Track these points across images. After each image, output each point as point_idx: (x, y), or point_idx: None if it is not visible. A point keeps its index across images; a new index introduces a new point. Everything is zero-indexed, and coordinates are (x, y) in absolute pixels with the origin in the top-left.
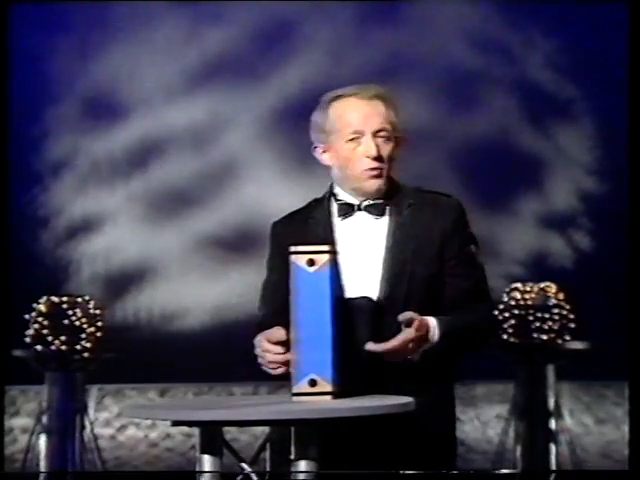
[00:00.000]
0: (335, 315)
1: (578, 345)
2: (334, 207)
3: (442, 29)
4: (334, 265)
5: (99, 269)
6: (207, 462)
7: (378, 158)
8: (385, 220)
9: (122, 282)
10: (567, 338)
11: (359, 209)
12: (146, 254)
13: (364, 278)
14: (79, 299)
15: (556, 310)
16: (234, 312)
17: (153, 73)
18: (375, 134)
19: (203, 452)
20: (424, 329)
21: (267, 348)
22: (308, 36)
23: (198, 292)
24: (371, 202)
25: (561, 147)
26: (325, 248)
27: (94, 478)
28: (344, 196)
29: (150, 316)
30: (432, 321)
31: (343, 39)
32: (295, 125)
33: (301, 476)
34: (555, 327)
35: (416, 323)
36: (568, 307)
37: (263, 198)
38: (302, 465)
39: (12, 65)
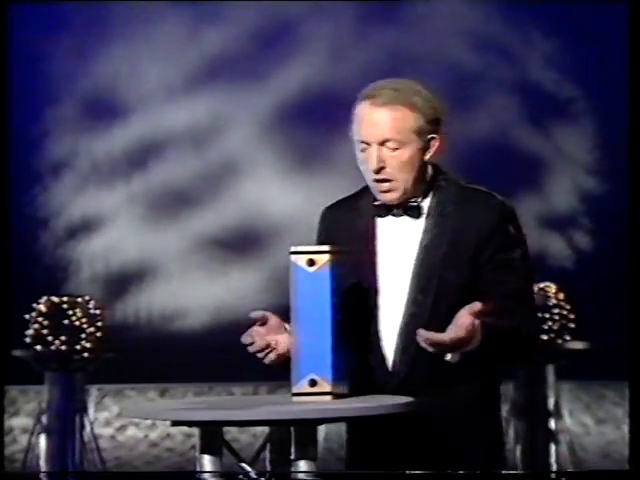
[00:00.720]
0: (335, 315)
1: (578, 345)
2: (374, 208)
3: (442, 29)
4: (335, 265)
5: (99, 269)
6: (207, 462)
7: (380, 171)
8: (422, 221)
9: (122, 282)
10: (567, 338)
11: (397, 209)
12: (146, 254)
13: (395, 281)
14: (79, 299)
15: (556, 310)
16: (234, 312)
17: (153, 73)
18: (382, 144)
19: (203, 452)
20: (475, 332)
21: (245, 340)
22: (308, 36)
23: (198, 292)
24: (407, 204)
25: (561, 147)
26: (325, 248)
27: (94, 478)
28: None
29: (150, 316)
30: (478, 327)
31: (343, 39)
32: (295, 125)
33: (301, 476)
34: (555, 327)
35: (471, 322)
36: (568, 307)
37: (263, 198)
38: (302, 465)
39: (12, 65)
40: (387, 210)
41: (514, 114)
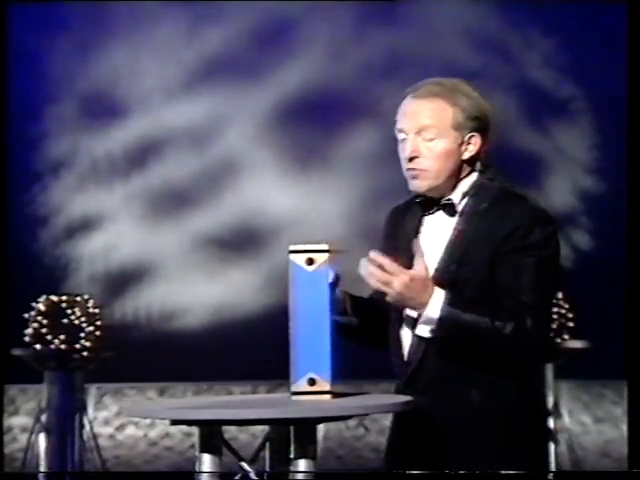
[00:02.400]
0: (334, 314)
1: (577, 344)
2: (420, 203)
3: (441, 29)
4: (334, 264)
5: (98, 268)
6: (206, 461)
7: (413, 159)
8: (455, 220)
9: (121, 281)
10: (566, 337)
11: (438, 206)
12: (145, 253)
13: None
14: (78, 298)
15: (555, 309)
16: (233, 311)
17: (153, 72)
18: (417, 134)
19: (202, 451)
20: (421, 290)
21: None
22: (308, 36)
23: (197, 291)
24: (444, 201)
25: (560, 146)
26: (324, 247)
27: (93, 477)
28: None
29: (149, 315)
30: (436, 292)
31: (343, 39)
32: (294, 124)
33: (300, 475)
34: (554, 326)
35: (424, 275)
36: (567, 306)
37: (262, 197)
38: (301, 464)
39: (12, 65)
40: (426, 206)
41: (513, 113)
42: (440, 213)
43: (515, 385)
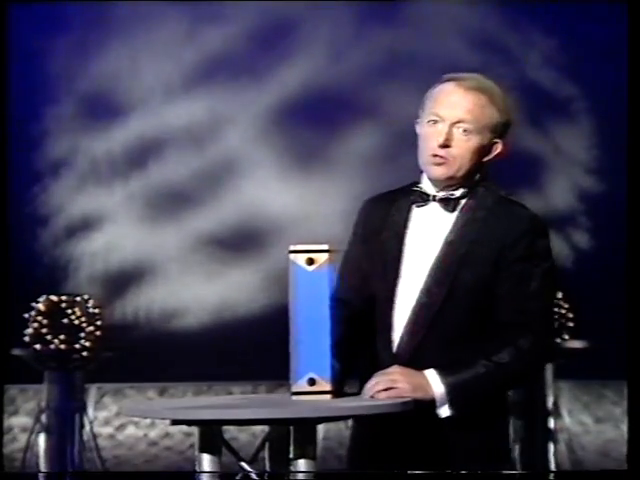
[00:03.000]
0: (334, 314)
1: (577, 344)
2: (413, 195)
3: (442, 29)
4: (334, 264)
5: (98, 268)
6: (206, 461)
7: (445, 147)
8: (454, 216)
9: (121, 281)
10: (566, 337)
11: (434, 200)
12: (145, 253)
13: (416, 271)
14: (78, 298)
15: (555, 309)
16: (233, 311)
17: (152, 72)
18: (454, 124)
19: (202, 451)
20: (410, 375)
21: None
22: (308, 36)
23: (197, 291)
24: (444, 195)
25: (560, 146)
26: (324, 247)
27: (93, 477)
28: (425, 184)
29: (149, 315)
30: (428, 372)
31: (343, 39)
32: (294, 124)
33: (300, 475)
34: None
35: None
36: (567, 306)
37: (262, 197)
38: (301, 464)
39: (12, 65)
40: (424, 197)
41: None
42: (435, 206)
43: None
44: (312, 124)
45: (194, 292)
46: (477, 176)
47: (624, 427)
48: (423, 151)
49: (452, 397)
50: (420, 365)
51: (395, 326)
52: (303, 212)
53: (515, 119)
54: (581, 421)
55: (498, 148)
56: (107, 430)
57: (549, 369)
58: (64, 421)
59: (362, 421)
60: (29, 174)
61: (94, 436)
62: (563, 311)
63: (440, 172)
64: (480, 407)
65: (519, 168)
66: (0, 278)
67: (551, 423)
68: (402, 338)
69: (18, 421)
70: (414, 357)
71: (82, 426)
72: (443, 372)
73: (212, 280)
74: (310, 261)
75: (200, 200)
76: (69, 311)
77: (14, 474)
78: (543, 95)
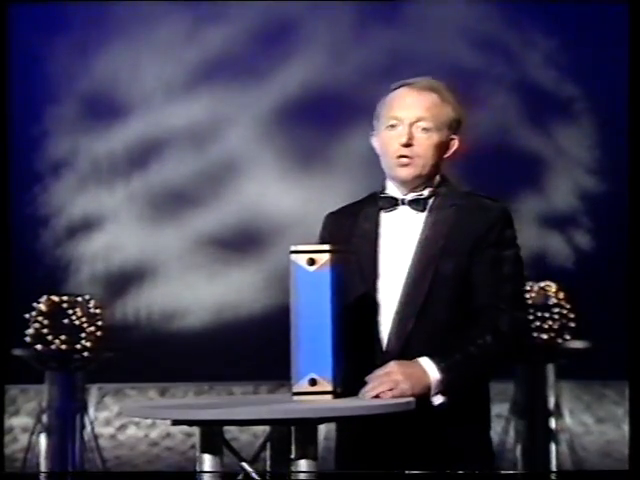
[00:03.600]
0: (335, 314)
1: (578, 344)
2: (380, 201)
3: (442, 29)
4: (336, 264)
5: (99, 268)
6: (207, 461)
7: (409, 146)
8: (424, 216)
9: (122, 281)
10: (567, 337)
11: (402, 203)
12: (146, 253)
13: (395, 273)
14: (79, 298)
15: (556, 309)
16: (234, 311)
17: (153, 72)
18: (413, 123)
19: (203, 451)
20: (408, 366)
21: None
22: (308, 36)
23: (198, 291)
24: (414, 197)
25: (561, 146)
26: (325, 247)
27: (94, 477)
28: (391, 189)
29: (150, 315)
30: (422, 360)
31: (343, 39)
32: (295, 125)
33: (301, 475)
34: (555, 326)
35: (382, 372)
36: (568, 306)
37: (263, 197)
38: (302, 464)
39: (12, 65)
40: (392, 202)
41: (514, 113)
42: (404, 209)
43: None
44: (312, 124)
45: (195, 292)
46: (438, 176)
47: (625, 427)
48: (386, 156)
49: (447, 381)
50: (410, 357)
51: (382, 323)
52: (304, 212)
53: (465, 116)
54: (582, 421)
55: (455, 144)
56: (108, 430)
57: (550, 369)
58: (65, 421)
59: (346, 422)
60: (30, 174)
61: (95, 436)
62: (564, 311)
63: (407, 172)
64: (468, 393)
65: (520, 168)
66: (1, 278)
67: (552, 423)
68: (390, 334)
69: (19, 421)
70: (404, 350)
71: (83, 426)
72: (436, 359)
73: (213, 280)
74: (311, 261)
75: (201, 200)
76: (70, 311)
77: (15, 474)
78: (544, 95)
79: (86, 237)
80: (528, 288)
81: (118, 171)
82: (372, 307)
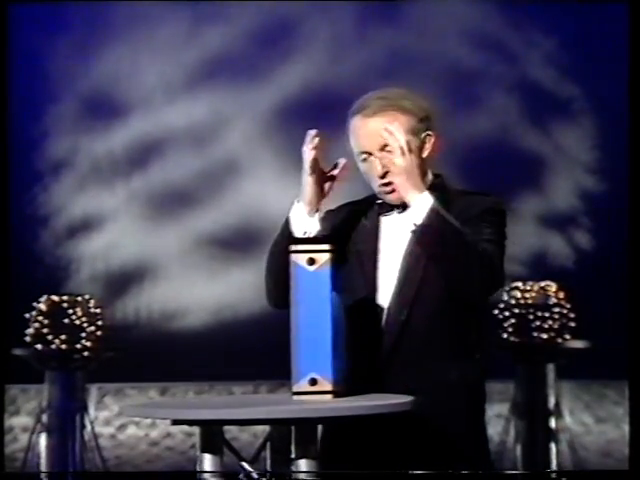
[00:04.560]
0: (335, 314)
1: (578, 344)
2: (377, 206)
3: (442, 29)
4: (335, 264)
5: (99, 268)
6: (207, 461)
7: (384, 175)
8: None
9: (122, 281)
10: (567, 337)
11: (398, 208)
12: (146, 253)
13: (389, 276)
14: (79, 298)
15: (556, 309)
16: (234, 311)
17: (153, 72)
18: (382, 149)
19: (203, 451)
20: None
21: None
22: (308, 36)
23: (198, 291)
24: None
25: (561, 146)
26: (325, 247)
27: (94, 477)
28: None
29: (150, 315)
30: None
31: (343, 39)
32: (295, 124)
33: (301, 475)
34: (555, 326)
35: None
36: (568, 306)
37: (263, 197)
38: (302, 464)
39: (12, 65)
40: (389, 208)
41: (514, 113)
42: (400, 214)
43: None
44: (313, 124)
45: (195, 292)
46: (429, 175)
47: (625, 427)
48: (371, 183)
49: (430, 215)
50: (405, 348)
51: (378, 318)
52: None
53: (432, 106)
54: (582, 421)
55: (431, 140)
56: (108, 430)
57: (550, 369)
58: (65, 421)
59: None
60: (30, 174)
61: (95, 436)
62: (565, 311)
63: (395, 197)
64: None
65: (521, 168)
66: (1, 278)
67: (552, 423)
68: (387, 315)
69: (19, 421)
70: (397, 341)
71: (83, 426)
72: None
73: (213, 280)
74: (311, 261)
75: (201, 200)
76: (70, 311)
77: (15, 474)
78: (544, 95)
79: (86, 237)
80: (528, 288)
81: (118, 171)
82: (371, 305)
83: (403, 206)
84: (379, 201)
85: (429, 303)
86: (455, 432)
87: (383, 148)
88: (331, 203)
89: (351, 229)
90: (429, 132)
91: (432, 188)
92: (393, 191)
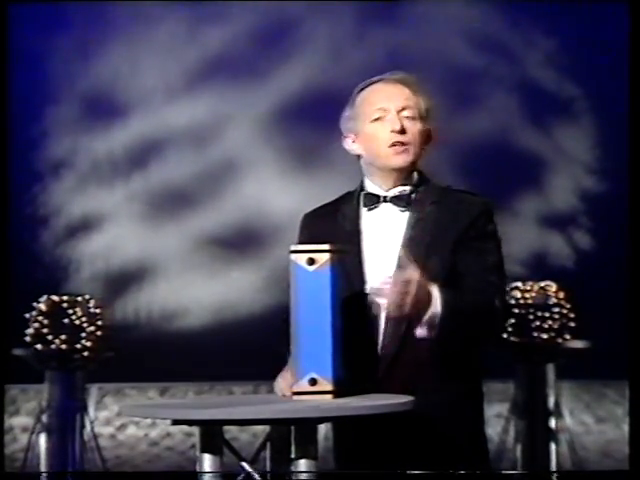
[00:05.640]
0: (335, 314)
1: (578, 344)
2: (362, 199)
3: (442, 29)
4: (335, 264)
5: (99, 268)
6: (207, 461)
7: (403, 132)
8: (407, 214)
9: (122, 281)
10: (567, 337)
11: (385, 200)
12: (146, 253)
13: (381, 272)
14: (79, 298)
15: (556, 309)
16: (234, 311)
17: (153, 72)
18: (400, 111)
19: (203, 451)
20: (422, 286)
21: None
22: (308, 36)
23: (198, 291)
24: (396, 193)
25: (561, 146)
26: (325, 247)
27: (94, 477)
28: (371, 187)
29: (150, 315)
30: (433, 287)
31: (343, 39)
32: (295, 124)
33: (301, 475)
34: (555, 326)
35: (410, 271)
36: (568, 306)
37: (263, 197)
38: (302, 464)
39: (12, 65)
40: (374, 200)
41: (514, 113)
42: (386, 207)
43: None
44: (312, 124)
45: (195, 292)
46: (415, 172)
47: (625, 427)
48: (378, 147)
49: (443, 316)
50: (406, 360)
51: (374, 325)
52: (304, 212)
53: (435, 108)
54: (582, 421)
55: (433, 134)
56: (108, 430)
57: (550, 369)
58: (65, 421)
59: (342, 421)
60: (29, 174)
61: (95, 436)
62: (565, 311)
63: (403, 159)
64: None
65: (520, 168)
66: (1, 278)
67: (552, 423)
68: (384, 338)
69: (19, 421)
70: (399, 353)
71: (83, 426)
72: (444, 292)
73: (213, 280)
74: (311, 261)
75: (201, 200)
76: (70, 311)
77: (15, 474)
78: (544, 95)
79: (86, 237)
80: (528, 288)
81: (118, 171)
82: (362, 309)
83: (389, 197)
84: (364, 192)
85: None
86: (454, 432)
87: (402, 110)
88: (330, 196)
89: (331, 232)
90: (430, 127)
91: (418, 184)
92: (404, 151)
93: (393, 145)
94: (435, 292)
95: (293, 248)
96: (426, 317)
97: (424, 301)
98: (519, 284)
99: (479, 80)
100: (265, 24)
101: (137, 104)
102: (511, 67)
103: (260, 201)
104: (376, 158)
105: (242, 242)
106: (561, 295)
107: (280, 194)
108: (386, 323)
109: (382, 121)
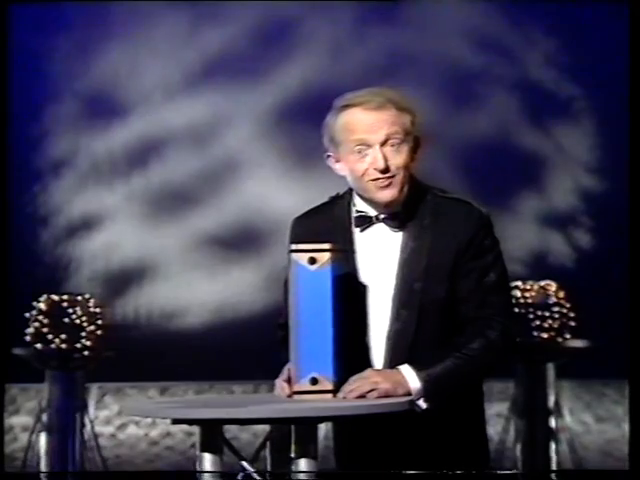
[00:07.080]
0: (336, 313)
1: (578, 343)
2: (353, 220)
3: (442, 29)
4: (336, 263)
5: (99, 267)
6: (207, 460)
7: (386, 170)
8: (400, 234)
9: (122, 280)
10: (567, 336)
11: (377, 220)
12: (146, 252)
13: (378, 295)
14: (79, 297)
15: (556, 308)
16: (234, 310)
17: (153, 72)
18: (383, 144)
19: (203, 450)
20: (388, 376)
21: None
22: (308, 36)
23: (198, 290)
24: (388, 213)
25: (562, 145)
26: (326, 246)
27: (94, 477)
28: (362, 206)
29: (150, 314)
30: (403, 368)
31: (343, 39)
32: (295, 124)
33: (301, 475)
34: (555, 325)
35: (362, 378)
36: (568, 305)
37: (263, 197)
38: (302, 463)
39: (12, 65)
40: (366, 221)
41: (514, 113)
42: (379, 227)
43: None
44: (313, 124)
45: (195, 291)
46: (412, 182)
47: (626, 426)
48: (360, 181)
49: (428, 390)
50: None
51: (374, 350)
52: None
53: (419, 111)
54: (582, 420)
55: (421, 143)
56: (108, 429)
57: (550, 368)
58: (65, 420)
59: (342, 423)
60: (29, 174)
61: (95, 435)
62: (565, 310)
63: (389, 193)
64: (455, 399)
65: (520, 168)
66: (1, 277)
67: (552, 422)
68: (385, 366)
69: (19, 420)
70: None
71: (83, 425)
72: (418, 367)
73: (213, 279)
74: (312, 260)
75: (201, 199)
76: (70, 310)
77: (15, 474)
78: (544, 95)
79: (86, 236)
80: (528, 287)
81: (118, 170)
82: (363, 308)
83: (381, 218)
84: (359, 212)
85: (430, 307)
86: (454, 432)
87: (385, 142)
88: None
89: (323, 237)
90: (418, 135)
91: (410, 200)
92: (389, 185)
93: (375, 180)
94: (405, 371)
95: (294, 247)
96: (408, 398)
97: (398, 380)
98: (519, 283)
99: (479, 80)
100: (265, 24)
101: (137, 104)
102: (511, 67)
103: (260, 201)
104: (361, 190)
105: (242, 242)
106: (561, 294)
107: (280, 194)
108: (386, 354)
109: (364, 156)
